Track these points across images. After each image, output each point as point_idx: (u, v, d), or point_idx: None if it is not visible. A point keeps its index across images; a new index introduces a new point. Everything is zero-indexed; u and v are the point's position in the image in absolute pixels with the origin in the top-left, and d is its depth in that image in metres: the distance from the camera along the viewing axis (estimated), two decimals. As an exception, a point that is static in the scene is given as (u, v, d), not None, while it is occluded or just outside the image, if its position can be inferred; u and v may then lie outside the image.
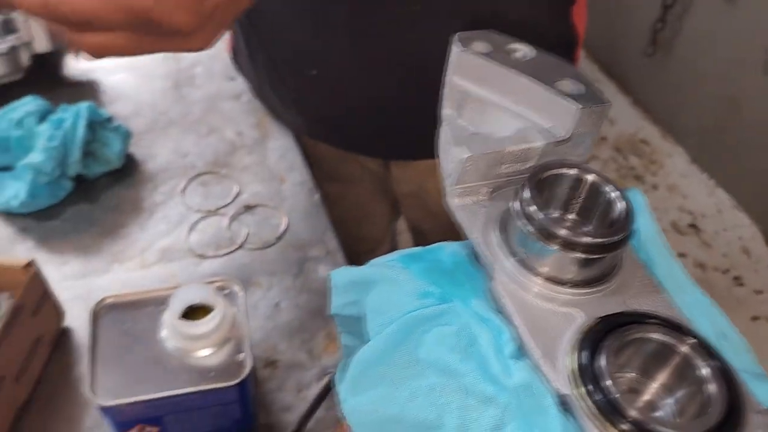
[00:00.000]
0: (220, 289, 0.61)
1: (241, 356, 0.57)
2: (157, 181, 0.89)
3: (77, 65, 1.06)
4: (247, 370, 0.56)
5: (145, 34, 0.44)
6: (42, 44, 0.98)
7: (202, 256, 0.80)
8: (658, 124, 2.54)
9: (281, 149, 0.94)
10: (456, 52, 0.42)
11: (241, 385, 0.56)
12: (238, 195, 0.88)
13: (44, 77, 1.02)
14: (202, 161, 0.92)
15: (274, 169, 0.91)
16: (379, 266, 0.40)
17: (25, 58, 0.98)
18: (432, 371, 0.35)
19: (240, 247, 0.81)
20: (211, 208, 0.86)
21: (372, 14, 0.72)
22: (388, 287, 0.38)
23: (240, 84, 1.03)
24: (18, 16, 0.95)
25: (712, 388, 0.31)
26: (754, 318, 1.97)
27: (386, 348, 0.36)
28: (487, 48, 0.42)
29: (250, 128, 0.97)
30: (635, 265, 0.38)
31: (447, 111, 0.43)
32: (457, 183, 0.40)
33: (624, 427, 0.30)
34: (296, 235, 0.83)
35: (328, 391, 0.57)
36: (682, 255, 2.13)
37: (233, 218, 0.85)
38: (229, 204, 0.86)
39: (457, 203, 0.40)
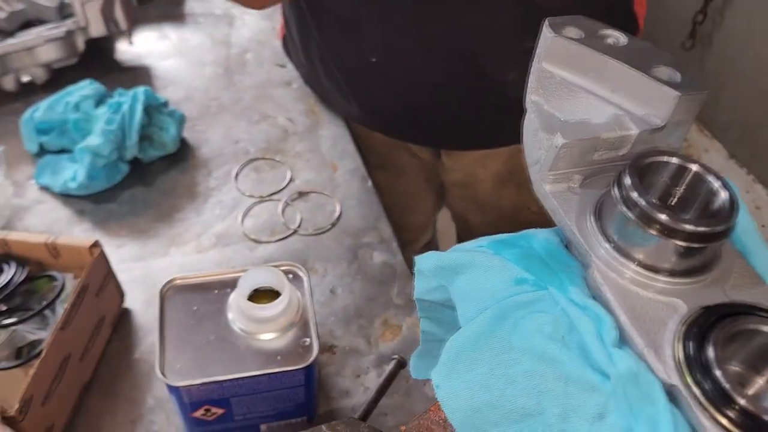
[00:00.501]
0: (286, 273, 0.62)
1: (307, 341, 0.58)
2: (211, 167, 0.90)
3: (130, 50, 1.07)
4: (313, 355, 0.56)
5: None
6: (97, 29, 0.99)
7: (257, 241, 0.81)
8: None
9: (333, 137, 0.94)
10: (548, 37, 0.41)
11: (308, 369, 0.56)
12: (290, 181, 0.88)
13: (98, 62, 1.03)
14: (254, 147, 0.93)
15: (326, 156, 0.91)
16: (468, 252, 0.40)
17: (80, 43, 0.99)
18: (528, 358, 0.35)
19: (294, 232, 0.82)
20: (264, 194, 0.86)
21: (436, 3, 0.72)
22: (480, 273, 0.38)
23: (290, 71, 1.03)
24: (74, 2, 0.96)
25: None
26: (793, 317, 1.94)
27: (481, 334, 0.36)
28: (579, 34, 0.41)
29: (301, 115, 0.97)
30: (734, 256, 0.37)
31: (533, 97, 0.43)
32: (549, 169, 0.39)
33: (735, 416, 0.29)
34: (349, 221, 0.83)
35: (394, 375, 0.57)
36: (718, 252, 2.10)
37: (286, 204, 0.85)
38: (282, 190, 0.87)
39: (549, 189, 0.40)
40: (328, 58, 0.87)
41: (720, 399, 0.30)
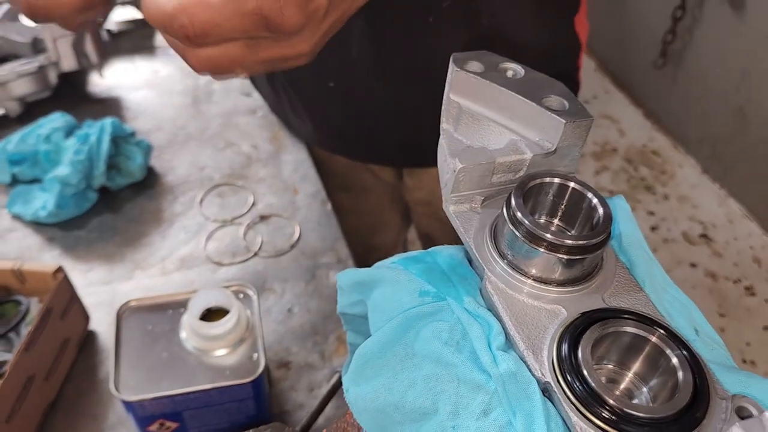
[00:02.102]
0: (236, 293, 0.65)
1: (256, 356, 0.61)
2: (177, 193, 0.94)
3: (102, 82, 1.11)
4: (260, 369, 0.60)
5: (256, 41, 0.46)
6: (69, 63, 1.03)
7: (219, 264, 0.84)
8: (668, 135, 2.56)
9: (295, 162, 0.98)
10: (453, 71, 0.45)
11: (255, 382, 0.59)
12: (253, 205, 0.92)
13: (70, 95, 1.07)
14: (219, 173, 0.96)
15: (288, 180, 0.95)
16: (381, 268, 0.43)
17: (52, 77, 1.03)
18: (428, 363, 0.38)
19: (255, 255, 0.85)
20: (228, 218, 0.90)
21: (387, 27, 0.76)
22: (390, 287, 0.42)
23: (255, 100, 1.07)
24: (47, 37, 1.01)
25: (681, 375, 0.34)
26: (766, 327, 1.98)
27: (386, 342, 0.40)
28: (481, 68, 0.45)
29: (265, 142, 1.01)
30: (615, 266, 0.41)
31: (445, 125, 0.47)
32: (452, 192, 0.43)
33: (601, 412, 0.33)
34: (308, 243, 0.87)
35: (336, 388, 0.60)
36: (693, 265, 2.14)
37: (248, 228, 0.89)
38: (244, 214, 0.90)
39: (453, 210, 0.44)
40: (290, 85, 0.91)
41: (588, 397, 0.34)
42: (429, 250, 0.44)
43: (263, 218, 0.90)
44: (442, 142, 0.46)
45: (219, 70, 0.47)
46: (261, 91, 1.03)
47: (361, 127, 0.89)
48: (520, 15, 0.77)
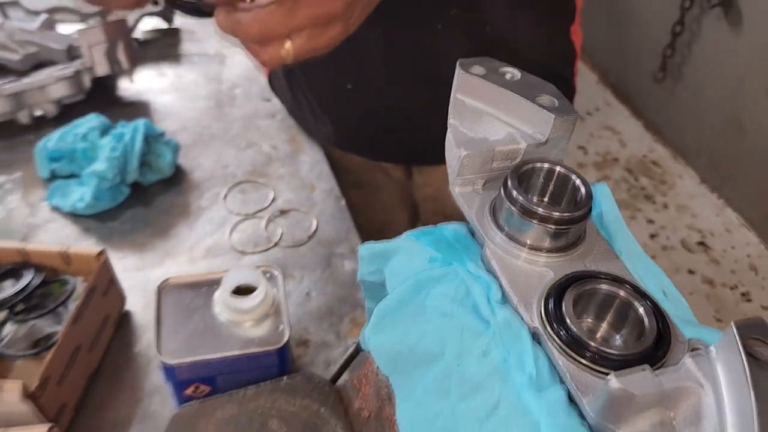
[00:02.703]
0: (264, 273, 0.73)
1: (281, 328, 0.68)
2: (203, 189, 1.01)
3: (131, 87, 1.19)
4: (285, 339, 0.67)
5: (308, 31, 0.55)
6: (102, 69, 1.11)
7: (243, 252, 0.92)
8: (668, 146, 2.63)
9: (311, 161, 1.06)
10: (459, 73, 0.53)
11: (281, 350, 0.67)
12: (273, 201, 0.99)
13: (102, 98, 1.15)
14: (241, 171, 1.04)
15: (305, 178, 1.03)
16: (397, 240, 0.51)
17: (87, 81, 1.12)
18: (436, 316, 0.46)
19: (275, 245, 0.93)
20: (250, 212, 0.97)
21: (400, 34, 0.84)
22: (404, 255, 0.49)
23: (275, 104, 1.15)
24: (83, 45, 1.09)
25: (646, 322, 0.41)
26: (761, 332, 2.03)
27: (401, 299, 0.47)
28: (483, 71, 0.53)
29: (283, 143, 1.09)
30: (596, 238, 0.48)
31: (452, 120, 0.54)
32: (458, 175, 0.51)
33: (580, 351, 0.40)
34: (324, 234, 0.94)
35: (353, 356, 0.68)
36: (691, 272, 2.21)
37: (269, 221, 0.96)
38: (265, 208, 0.98)
39: (458, 191, 0.51)
40: (309, 89, 0.99)
41: (568, 338, 0.41)
42: (437, 225, 0.51)
43: (283, 212, 0.97)
44: (449, 135, 0.54)
45: (281, 62, 0.55)
46: (280, 97, 1.11)
47: (375, 126, 0.96)
48: (521, 24, 0.85)
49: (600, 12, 2.70)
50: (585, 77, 2.72)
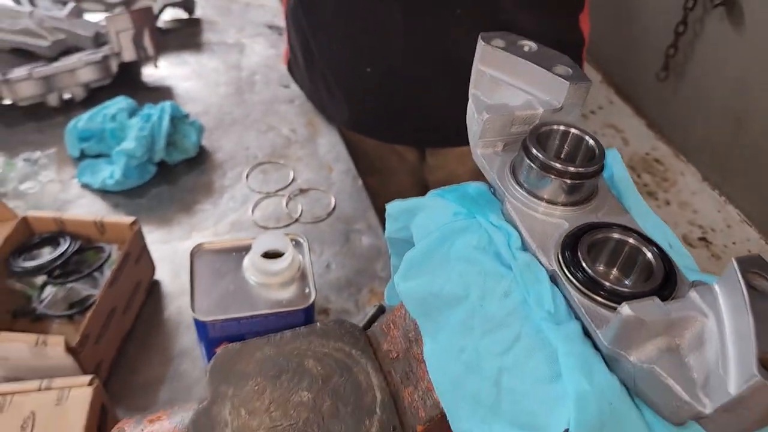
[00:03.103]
0: (291, 240, 0.77)
1: (307, 290, 0.73)
2: (225, 168, 1.06)
3: (155, 73, 1.23)
4: (311, 299, 0.71)
5: None
6: (129, 55, 1.15)
7: (265, 228, 0.96)
8: (670, 144, 2.68)
9: (329, 144, 1.10)
10: (481, 45, 0.57)
11: (307, 310, 0.71)
12: (293, 180, 1.03)
13: (129, 82, 1.20)
14: (262, 153, 1.08)
15: (323, 159, 1.07)
16: (422, 198, 0.55)
17: (114, 66, 1.16)
18: (461, 263, 0.50)
19: (296, 221, 0.97)
20: (271, 191, 1.02)
21: (422, 18, 0.88)
22: (430, 210, 0.54)
23: (293, 90, 1.20)
24: (110, 31, 1.13)
25: (654, 264, 0.46)
26: (761, 325, 2.07)
27: (428, 250, 0.51)
28: (503, 43, 0.57)
29: (302, 126, 1.14)
30: (607, 194, 0.53)
31: (473, 90, 0.59)
32: (480, 137, 0.55)
33: (594, 288, 0.44)
34: (343, 212, 0.98)
35: (375, 318, 0.72)
36: (692, 266, 2.24)
37: (290, 199, 1.00)
38: (286, 187, 1.02)
39: (480, 152, 0.55)
40: (328, 72, 1.03)
41: (583, 278, 0.45)
42: (461, 184, 0.56)
43: (302, 191, 1.01)
44: (471, 104, 0.58)
45: None
46: (299, 82, 1.15)
47: (392, 108, 1.00)
48: (534, 12, 0.89)
49: (604, 11, 2.74)
50: (589, 76, 2.76)
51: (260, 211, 0.99)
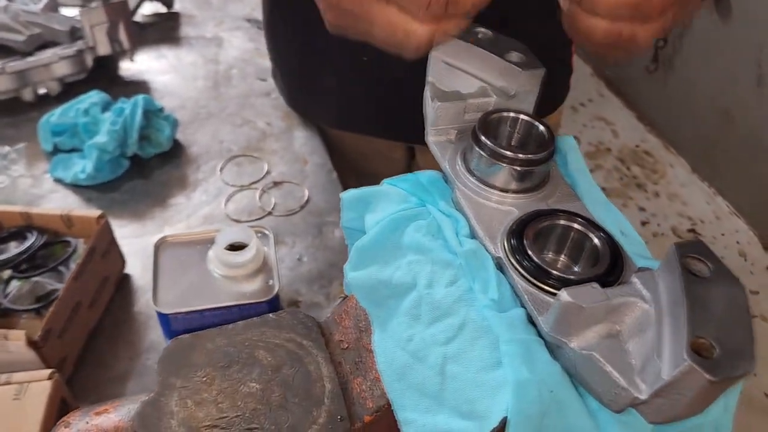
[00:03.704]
0: (255, 232, 0.76)
1: (271, 282, 0.72)
2: (200, 162, 1.05)
3: (132, 67, 1.23)
4: (275, 291, 0.71)
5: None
6: (103, 48, 1.15)
7: (238, 221, 0.95)
8: (660, 136, 2.67)
9: (305, 137, 1.09)
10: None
11: (271, 302, 0.70)
12: (267, 173, 1.03)
13: (104, 77, 1.19)
14: (236, 146, 1.08)
15: (299, 153, 1.07)
16: (376, 186, 0.55)
17: (89, 60, 1.15)
18: (410, 251, 0.49)
19: (269, 213, 0.96)
20: (245, 184, 1.01)
21: None
22: (382, 198, 0.53)
23: (270, 84, 1.19)
24: (85, 25, 1.13)
25: (600, 251, 0.45)
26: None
27: (379, 238, 0.51)
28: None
29: (278, 120, 1.13)
30: (559, 182, 0.52)
31: (429, 78, 0.58)
32: (432, 125, 0.54)
33: (539, 275, 0.44)
34: (316, 205, 0.98)
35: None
36: (681, 259, 2.24)
37: (263, 191, 1.00)
38: (259, 180, 1.02)
39: (433, 140, 0.55)
40: (323, 64, 0.99)
41: (528, 265, 0.45)
42: (413, 172, 0.55)
43: (276, 184, 1.01)
44: (426, 90, 0.57)
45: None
46: (279, 82, 1.14)
47: (386, 100, 0.97)
48: (526, 12, 0.88)
49: None
50: (579, 69, 2.76)
51: (233, 205, 0.98)
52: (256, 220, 0.95)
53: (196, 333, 0.54)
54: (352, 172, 1.12)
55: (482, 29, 0.58)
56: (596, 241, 0.46)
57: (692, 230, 2.33)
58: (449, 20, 0.46)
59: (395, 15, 0.45)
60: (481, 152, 0.50)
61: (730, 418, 0.48)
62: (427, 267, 0.48)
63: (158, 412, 0.49)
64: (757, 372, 1.86)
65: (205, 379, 0.51)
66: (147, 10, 1.38)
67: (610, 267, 0.45)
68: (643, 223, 2.34)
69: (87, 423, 0.50)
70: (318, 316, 0.84)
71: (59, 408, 0.65)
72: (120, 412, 0.50)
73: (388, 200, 0.53)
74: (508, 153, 0.49)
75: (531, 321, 0.44)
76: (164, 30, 1.35)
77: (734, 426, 0.44)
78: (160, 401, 0.49)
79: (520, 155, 0.49)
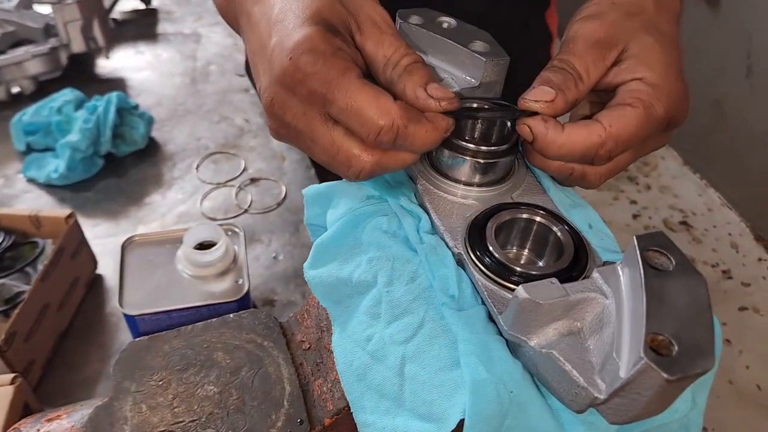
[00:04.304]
0: (225, 230, 0.75)
1: (241, 281, 0.71)
2: (176, 160, 1.03)
3: (108, 64, 1.21)
4: (244, 291, 0.69)
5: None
6: (78, 46, 1.13)
7: (213, 219, 0.94)
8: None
9: (283, 133, 1.08)
10: (397, 23, 0.55)
11: (240, 301, 0.69)
12: (244, 170, 1.01)
13: (79, 75, 1.17)
14: (214, 143, 1.06)
15: (276, 149, 1.05)
16: (338, 182, 0.53)
17: (63, 58, 1.14)
18: (371, 248, 0.48)
19: (245, 211, 0.95)
20: (221, 181, 0.99)
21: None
22: (344, 194, 0.52)
23: (249, 80, 1.17)
24: (58, 22, 1.11)
25: (563, 245, 0.44)
26: (742, 308, 2.06)
27: (339, 234, 0.49)
28: (420, 20, 0.55)
29: (256, 116, 1.11)
30: (525, 174, 0.51)
31: (393, 70, 0.57)
32: (395, 118, 0.53)
33: (499, 270, 0.42)
34: (293, 201, 0.96)
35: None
36: (673, 251, 2.23)
37: (240, 189, 0.98)
38: (236, 177, 1.00)
39: (396, 134, 0.53)
40: None
41: (489, 261, 0.43)
42: (377, 168, 0.54)
43: (253, 181, 0.99)
44: (390, 84, 0.56)
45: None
46: (252, 76, 1.13)
47: None
48: (498, 11, 0.86)
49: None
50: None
51: (209, 202, 0.97)
52: (233, 218, 0.94)
53: (153, 335, 0.53)
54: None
55: (447, 18, 0.56)
56: (559, 234, 0.44)
57: (684, 222, 2.32)
58: (396, 153, 0.43)
59: (340, 137, 0.42)
60: (442, 145, 0.48)
61: (700, 415, 0.47)
62: (387, 264, 0.46)
63: (111, 417, 0.47)
64: (748, 365, 1.85)
65: (161, 382, 0.50)
66: (125, 6, 1.36)
67: (574, 261, 0.43)
68: (635, 216, 2.33)
69: (38, 430, 0.48)
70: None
71: (23, 414, 0.63)
72: (73, 418, 0.49)
73: (349, 196, 0.51)
74: (470, 146, 0.47)
75: (492, 319, 0.43)
76: (142, 26, 1.33)
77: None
78: (113, 406, 0.47)
79: (483, 147, 0.47)
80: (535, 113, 0.46)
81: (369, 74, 0.45)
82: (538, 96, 0.45)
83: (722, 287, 2.13)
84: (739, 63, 2.16)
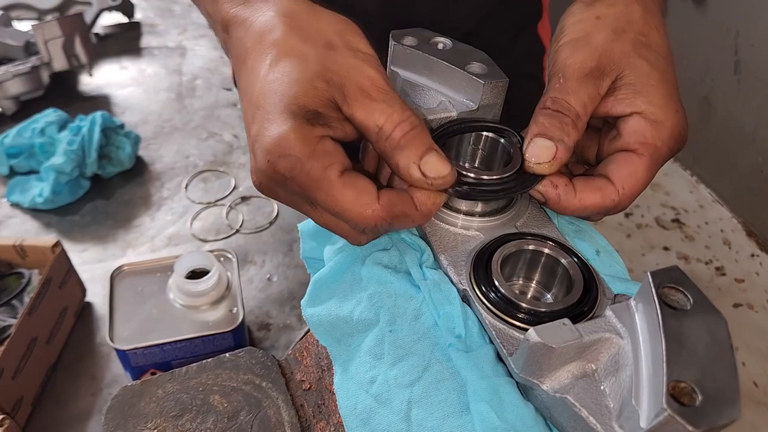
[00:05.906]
0: (217, 257, 0.73)
1: (235, 310, 0.69)
2: (164, 179, 1.01)
3: (92, 81, 1.18)
4: (239, 320, 0.67)
5: None
6: (60, 64, 1.10)
7: (204, 240, 0.92)
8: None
9: (272, 148, 1.06)
10: (392, 45, 0.53)
11: (235, 331, 0.67)
12: (234, 188, 0.99)
13: (62, 93, 1.14)
14: (202, 161, 1.04)
15: (267, 165, 1.03)
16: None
17: (45, 77, 1.11)
18: (372, 284, 0.46)
19: (237, 231, 0.93)
20: (211, 200, 0.97)
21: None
22: (341, 227, 0.49)
23: (236, 93, 1.15)
24: (38, 40, 1.08)
25: (574, 276, 0.42)
26: (736, 305, 2.06)
27: (337, 270, 0.47)
28: (414, 42, 0.53)
29: (244, 131, 1.09)
30: (529, 202, 0.49)
31: (389, 93, 0.55)
32: (392, 145, 0.51)
33: (507, 308, 0.41)
34: (286, 219, 0.94)
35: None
36: (666, 248, 2.22)
37: (230, 208, 0.96)
38: (226, 196, 0.98)
39: (393, 161, 0.51)
40: None
41: (495, 298, 0.41)
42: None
43: (244, 199, 0.97)
44: (385, 107, 0.54)
45: None
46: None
47: None
48: (489, 26, 0.84)
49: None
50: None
51: (200, 223, 0.94)
52: (224, 238, 0.92)
53: (146, 379, 0.51)
54: None
55: (442, 38, 0.54)
56: (568, 266, 0.43)
57: (676, 220, 2.31)
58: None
59: (332, 220, 0.42)
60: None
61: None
62: (389, 301, 0.45)
63: (104, 470, 0.45)
64: (745, 361, 1.85)
65: (155, 431, 0.48)
66: (107, 20, 1.34)
67: (584, 295, 0.42)
68: (627, 215, 2.32)
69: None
70: (290, 340, 0.81)
71: (12, 456, 0.61)
72: (64, 472, 0.46)
73: (347, 228, 0.49)
74: (471, 174, 0.46)
75: (500, 359, 0.41)
76: (125, 40, 1.30)
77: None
78: (106, 458, 0.45)
79: (484, 177, 0.45)
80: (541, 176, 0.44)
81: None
82: (540, 157, 0.43)
83: (716, 284, 2.12)
84: (727, 59, 2.16)
